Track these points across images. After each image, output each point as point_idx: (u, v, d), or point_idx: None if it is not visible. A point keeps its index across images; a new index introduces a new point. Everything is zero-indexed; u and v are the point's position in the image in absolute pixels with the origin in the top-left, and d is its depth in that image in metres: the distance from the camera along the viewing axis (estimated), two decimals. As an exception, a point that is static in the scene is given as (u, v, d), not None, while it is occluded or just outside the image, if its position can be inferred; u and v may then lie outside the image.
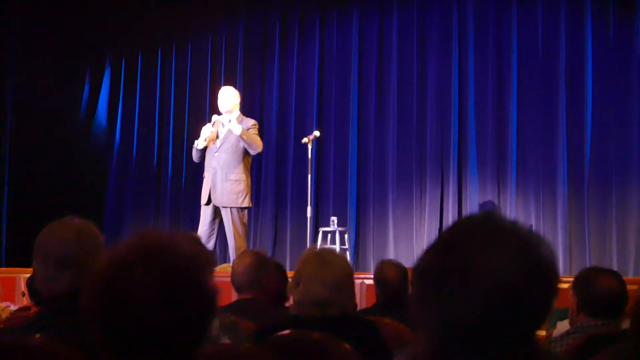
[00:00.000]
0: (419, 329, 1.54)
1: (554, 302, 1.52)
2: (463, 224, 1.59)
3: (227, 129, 8.74)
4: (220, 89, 9.18)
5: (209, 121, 9.02)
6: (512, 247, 1.49)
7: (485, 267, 1.47)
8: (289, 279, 4.09)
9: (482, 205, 10.71)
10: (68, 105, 11.87)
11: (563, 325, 4.36)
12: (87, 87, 12.17)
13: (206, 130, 8.80)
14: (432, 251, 1.56)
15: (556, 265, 1.53)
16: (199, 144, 8.80)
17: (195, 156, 8.95)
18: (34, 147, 11.23)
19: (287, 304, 4.64)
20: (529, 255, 1.50)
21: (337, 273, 3.39)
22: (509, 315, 1.46)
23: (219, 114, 8.91)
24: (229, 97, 8.87)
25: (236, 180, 8.65)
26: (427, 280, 1.53)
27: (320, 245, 9.73)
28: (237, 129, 8.58)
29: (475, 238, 1.51)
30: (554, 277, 1.52)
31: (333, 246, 9.95)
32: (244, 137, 8.61)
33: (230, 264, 7.80)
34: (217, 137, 8.76)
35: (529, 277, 1.48)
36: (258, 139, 8.79)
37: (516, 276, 1.47)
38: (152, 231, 1.77)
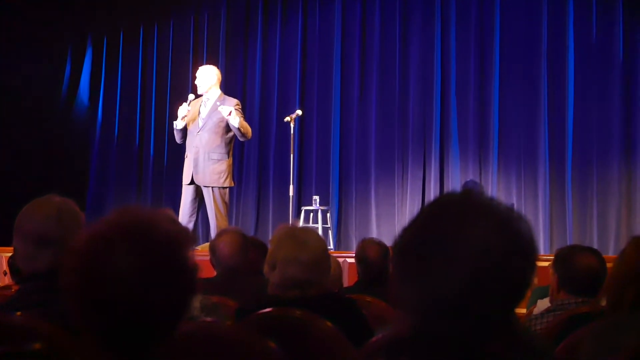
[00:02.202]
0: (399, 306, 1.54)
1: (533, 277, 1.53)
2: (443, 200, 1.60)
3: (209, 108, 8.69)
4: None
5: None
6: (491, 223, 1.50)
7: (465, 242, 1.48)
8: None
9: (464, 185, 10.75)
10: (49, 84, 11.81)
11: (543, 303, 4.39)
12: (68, 67, 12.09)
13: (182, 110, 8.70)
14: (412, 228, 1.57)
15: (535, 240, 1.54)
16: (177, 124, 8.76)
17: (177, 137, 8.89)
18: (15, 126, 11.17)
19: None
20: (508, 231, 1.51)
21: (313, 252, 3.34)
22: (489, 290, 1.47)
23: (197, 93, 8.87)
24: (204, 78, 8.78)
25: (218, 160, 8.62)
26: (408, 257, 1.54)
27: (301, 223, 9.72)
28: (235, 121, 8.51)
29: (455, 214, 1.52)
30: (533, 252, 1.53)
31: (315, 225, 9.97)
32: (242, 129, 8.58)
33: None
34: (199, 116, 8.72)
35: (508, 251, 1.49)
36: (249, 127, 8.77)
37: (496, 251, 1.48)
38: (132, 208, 1.77)
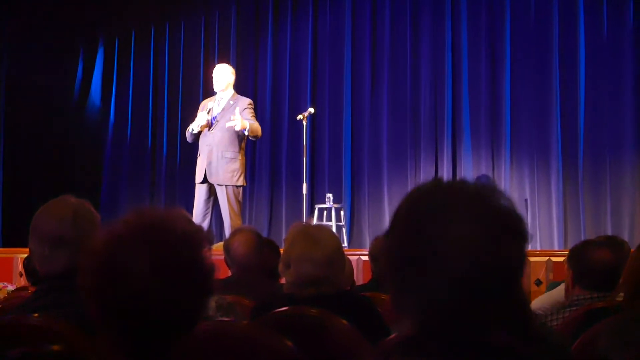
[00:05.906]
0: (399, 312, 1.53)
1: (526, 249, 1.51)
2: (415, 198, 1.57)
3: (222, 107, 8.71)
4: (213, 67, 9.16)
5: (203, 99, 9.00)
6: (471, 211, 1.47)
7: (450, 240, 1.45)
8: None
9: (476, 180, 10.69)
10: (62, 85, 11.84)
11: (557, 292, 4.41)
12: (80, 67, 12.14)
13: (202, 119, 8.69)
14: (395, 234, 1.55)
15: (516, 210, 1.51)
16: (194, 129, 8.75)
17: (188, 138, 8.90)
18: (28, 127, 11.21)
19: (281, 281, 4.66)
20: (489, 213, 1.48)
21: (327, 249, 3.34)
22: (485, 279, 1.45)
23: (214, 91, 8.89)
24: (222, 77, 8.83)
25: (232, 159, 8.63)
26: (398, 265, 1.53)
27: (315, 221, 9.72)
28: (245, 128, 8.51)
29: (432, 211, 1.49)
30: (519, 226, 1.50)
31: (328, 223, 9.96)
32: (251, 134, 8.59)
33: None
34: (212, 116, 8.72)
35: (495, 235, 1.46)
36: (258, 127, 8.74)
37: (483, 239, 1.46)
38: (149, 209, 1.77)
